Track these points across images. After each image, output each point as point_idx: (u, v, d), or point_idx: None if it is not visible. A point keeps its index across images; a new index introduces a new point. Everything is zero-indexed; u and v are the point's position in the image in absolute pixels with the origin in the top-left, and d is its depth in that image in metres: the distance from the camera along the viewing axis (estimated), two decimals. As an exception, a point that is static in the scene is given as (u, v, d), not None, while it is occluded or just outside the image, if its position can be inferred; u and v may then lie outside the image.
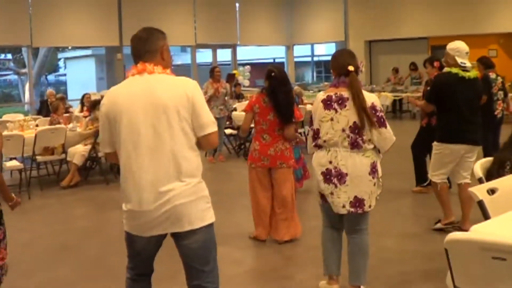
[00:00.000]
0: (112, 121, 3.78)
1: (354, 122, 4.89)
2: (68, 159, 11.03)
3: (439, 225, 7.48)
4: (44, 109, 15.27)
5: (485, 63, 10.83)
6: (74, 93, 26.66)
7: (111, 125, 3.80)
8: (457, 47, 7.05)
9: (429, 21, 21.63)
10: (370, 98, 5.00)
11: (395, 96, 20.23)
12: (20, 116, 13.73)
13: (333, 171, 4.94)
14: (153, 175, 3.71)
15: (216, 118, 12.32)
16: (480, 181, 4.49)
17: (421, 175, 9.41)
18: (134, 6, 19.94)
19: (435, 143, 7.21)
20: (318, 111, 5.07)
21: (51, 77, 38.91)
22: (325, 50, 33.75)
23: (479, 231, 3.25)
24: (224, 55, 25.71)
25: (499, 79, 10.67)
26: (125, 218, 3.91)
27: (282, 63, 27.93)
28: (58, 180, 11.02)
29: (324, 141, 5.00)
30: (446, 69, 7.21)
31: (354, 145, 4.91)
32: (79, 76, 30.30)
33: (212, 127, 3.82)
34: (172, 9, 21.37)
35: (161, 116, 3.71)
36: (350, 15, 23.82)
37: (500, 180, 4.25)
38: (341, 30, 24.05)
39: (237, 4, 23.40)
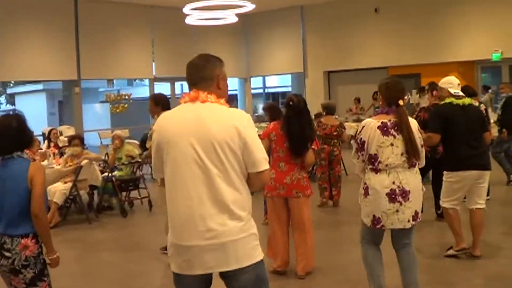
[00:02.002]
0: (160, 148, 3.67)
1: None
2: (48, 198, 10.50)
3: (451, 252, 7.51)
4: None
5: (467, 92, 10.77)
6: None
7: (160, 152, 3.68)
8: (449, 80, 7.52)
9: (387, 50, 21.76)
10: (414, 123, 5.58)
11: (358, 126, 20.16)
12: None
13: (397, 190, 5.33)
14: (200, 208, 3.54)
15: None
16: None
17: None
18: (92, 40, 19.47)
19: (445, 172, 7.34)
20: (375, 137, 5.36)
21: (-8, 113, 38.02)
22: (277, 82, 33.75)
23: None
24: (178, 88, 25.42)
25: (482, 107, 10.67)
26: (170, 255, 3.72)
27: (235, 95, 27.75)
28: (37, 221, 10.46)
29: (386, 165, 5.36)
30: (445, 100, 7.39)
31: (412, 165, 5.44)
32: (29, 112, 29.47)
33: (264, 165, 3.65)
34: (131, 42, 21.03)
35: (210, 147, 3.55)
36: (308, 46, 23.83)
37: None
38: (300, 61, 23.98)
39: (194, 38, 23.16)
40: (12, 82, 30.82)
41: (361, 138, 5.44)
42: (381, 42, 22.06)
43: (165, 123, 3.71)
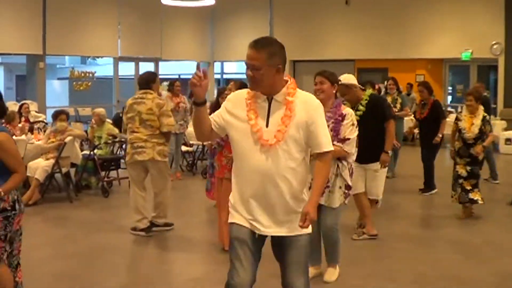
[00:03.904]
0: None
1: None
2: (28, 174, 10.08)
3: (365, 236, 7.89)
4: (-25, 119, 14.02)
5: (429, 89, 10.89)
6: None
7: None
8: (351, 76, 7.51)
9: (355, 43, 21.79)
10: None
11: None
12: None
13: None
14: None
15: (176, 134, 11.90)
16: None
17: None
18: (59, 15, 18.90)
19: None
20: None
21: None
22: (236, 68, 33.42)
23: None
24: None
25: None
26: None
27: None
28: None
29: None
30: (369, 92, 7.66)
31: None
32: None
33: None
34: (98, 19, 20.50)
35: None
36: (275, 34, 23.57)
37: None
38: (266, 48, 23.73)
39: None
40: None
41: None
42: (350, 34, 22.05)
43: None
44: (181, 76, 30.05)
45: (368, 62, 21.32)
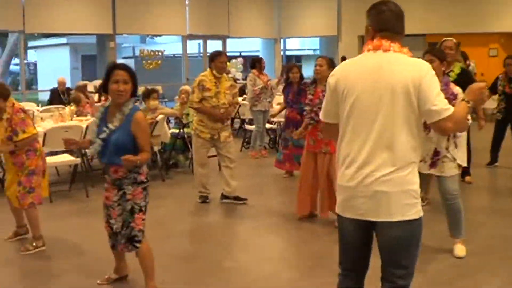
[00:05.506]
0: (340, 95, 3.65)
1: None
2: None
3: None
4: (56, 98, 14.11)
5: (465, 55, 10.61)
6: (45, 83, 25.45)
7: (339, 98, 3.67)
8: None
9: (426, 17, 21.28)
10: None
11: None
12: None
13: None
14: (366, 155, 3.50)
15: (264, 112, 11.82)
16: None
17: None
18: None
19: None
20: None
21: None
22: (299, 44, 33.23)
23: None
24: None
25: None
26: (337, 194, 3.76)
27: (258, 56, 27.23)
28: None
29: None
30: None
31: None
32: (52, 66, 28.66)
33: (440, 114, 3.42)
34: (166, -2, 20.53)
35: (386, 97, 3.49)
36: (343, 9, 23.29)
37: None
38: (334, 24, 23.46)
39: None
40: (36, 34, 30.03)
41: None
42: (420, 8, 21.52)
43: (346, 71, 3.71)
44: (242, 54, 29.93)
45: (439, 36, 20.50)
